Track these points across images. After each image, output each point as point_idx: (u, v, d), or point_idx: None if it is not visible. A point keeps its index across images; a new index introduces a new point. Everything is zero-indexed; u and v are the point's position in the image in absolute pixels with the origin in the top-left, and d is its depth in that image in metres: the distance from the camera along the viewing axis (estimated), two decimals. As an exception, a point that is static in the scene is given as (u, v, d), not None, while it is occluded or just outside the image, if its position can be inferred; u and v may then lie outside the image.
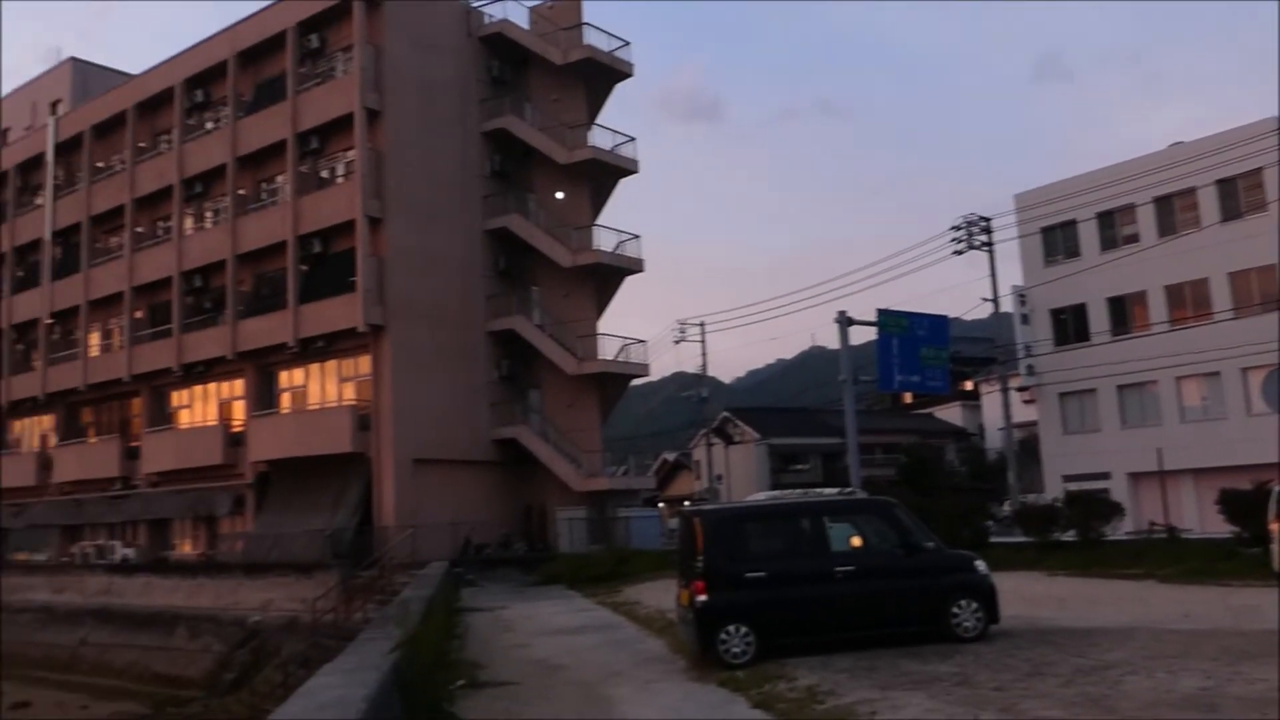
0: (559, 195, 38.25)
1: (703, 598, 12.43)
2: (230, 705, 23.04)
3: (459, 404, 35.31)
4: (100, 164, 44.97)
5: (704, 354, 47.05)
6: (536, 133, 37.32)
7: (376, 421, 33.38)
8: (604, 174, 38.37)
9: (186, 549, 39.66)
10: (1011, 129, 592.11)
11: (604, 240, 37.59)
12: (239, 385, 38.35)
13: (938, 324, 29.71)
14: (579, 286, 37.18)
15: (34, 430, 48.08)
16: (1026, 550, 25.74)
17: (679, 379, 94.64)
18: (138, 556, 39.23)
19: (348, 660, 8.49)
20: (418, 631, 9.45)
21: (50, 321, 45.68)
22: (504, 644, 16.45)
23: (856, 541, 13.32)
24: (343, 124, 34.88)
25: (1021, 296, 42.68)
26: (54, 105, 49.42)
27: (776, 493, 16.45)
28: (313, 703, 6.19)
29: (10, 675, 33.70)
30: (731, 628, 12.28)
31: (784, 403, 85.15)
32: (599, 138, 38.13)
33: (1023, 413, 44.70)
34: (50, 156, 46.83)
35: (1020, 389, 44.03)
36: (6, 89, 54.40)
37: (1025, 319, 42.78)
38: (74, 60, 51.00)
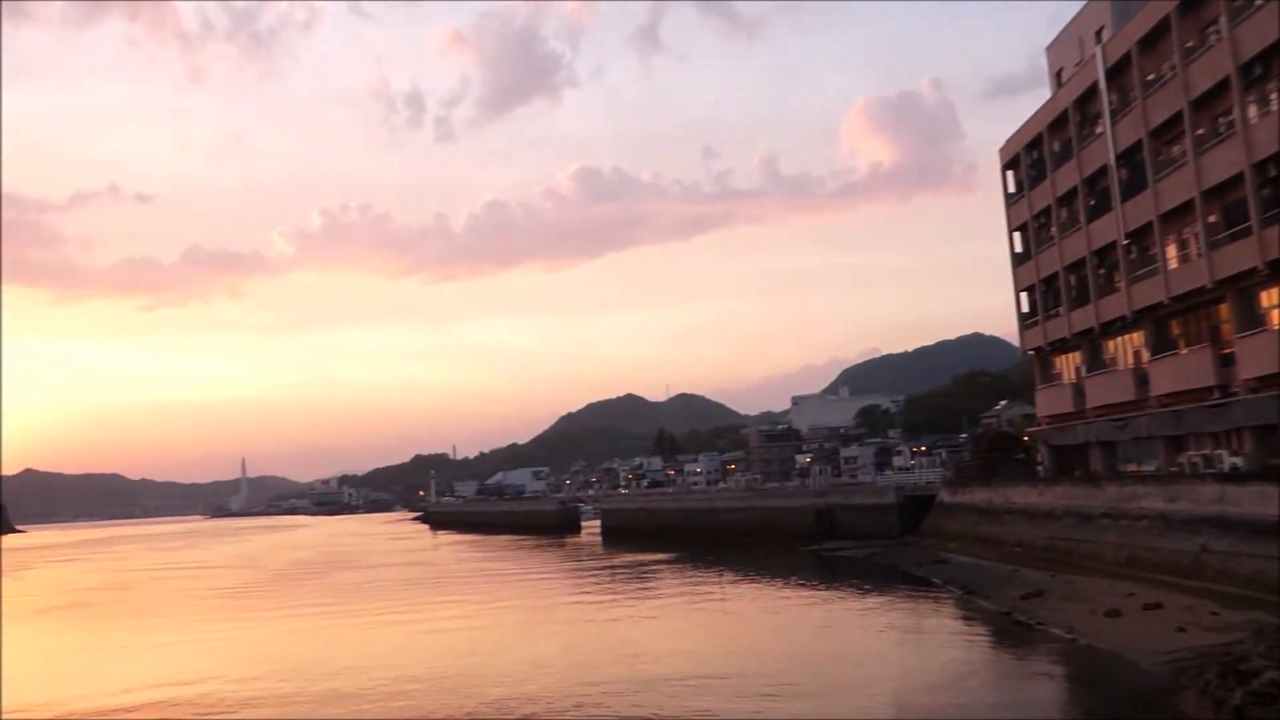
0: None
1: None
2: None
3: None
4: (1150, 77, 44.76)
5: None
6: None
7: None
8: None
9: (1299, 456, 37.07)
10: None
11: None
12: (1336, 274, 34.47)
13: None
14: None
15: (1126, 348, 50.25)
16: None
17: None
18: (1246, 464, 38.03)
19: None
20: None
21: (1126, 242, 47.21)
22: None
23: None
24: None
25: None
26: (1098, 34, 50.83)
27: None
28: None
29: (1137, 578, 35.75)
30: None
31: None
32: None
33: None
34: (1102, 84, 48.28)
35: None
36: (1050, 37, 57.55)
37: None
38: (1112, -16, 51.71)
